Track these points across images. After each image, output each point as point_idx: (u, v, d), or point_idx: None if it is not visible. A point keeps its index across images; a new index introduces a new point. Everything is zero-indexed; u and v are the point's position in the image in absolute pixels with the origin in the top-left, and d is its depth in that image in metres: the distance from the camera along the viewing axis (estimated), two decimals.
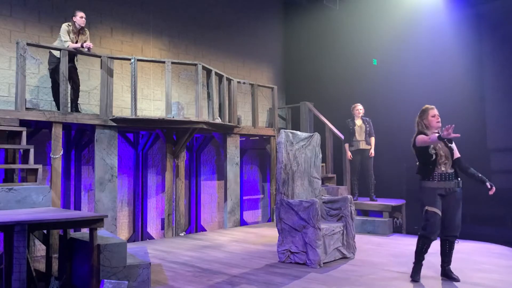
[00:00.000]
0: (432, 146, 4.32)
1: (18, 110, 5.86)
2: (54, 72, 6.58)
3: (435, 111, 4.50)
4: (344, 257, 5.47)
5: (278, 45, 11.35)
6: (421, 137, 4.36)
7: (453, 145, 4.49)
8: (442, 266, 4.51)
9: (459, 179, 4.41)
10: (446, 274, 4.45)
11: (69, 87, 6.61)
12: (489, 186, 4.26)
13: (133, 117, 6.73)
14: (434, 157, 4.30)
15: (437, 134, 4.24)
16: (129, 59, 6.96)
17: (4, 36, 6.87)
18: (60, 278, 4.52)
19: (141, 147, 8.29)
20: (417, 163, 4.53)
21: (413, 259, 4.50)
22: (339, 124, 8.75)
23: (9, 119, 5.72)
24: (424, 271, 4.56)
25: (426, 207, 4.35)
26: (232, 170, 8.47)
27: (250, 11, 10.66)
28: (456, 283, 4.27)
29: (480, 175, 4.38)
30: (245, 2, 10.57)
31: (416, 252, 4.45)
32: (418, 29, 8.52)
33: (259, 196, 10.44)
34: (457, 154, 4.46)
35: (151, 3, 8.74)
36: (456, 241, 4.44)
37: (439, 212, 4.31)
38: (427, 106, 4.57)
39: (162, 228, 8.28)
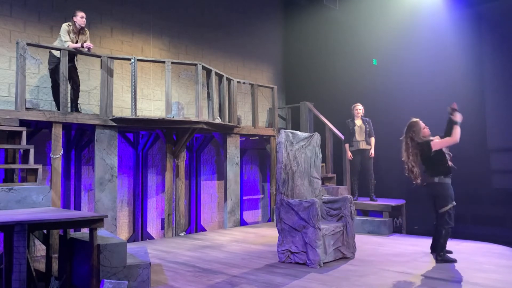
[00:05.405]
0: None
1: (18, 110, 5.86)
2: (54, 72, 6.58)
3: (421, 122, 5.14)
4: (344, 257, 5.47)
5: (278, 45, 11.35)
6: (441, 142, 4.98)
7: None
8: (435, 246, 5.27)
9: None
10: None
11: (69, 87, 6.61)
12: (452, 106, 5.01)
13: (133, 117, 6.73)
14: (448, 156, 4.97)
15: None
16: (129, 59, 6.96)
17: (4, 36, 6.88)
18: (60, 278, 4.52)
19: (141, 147, 8.29)
20: (428, 165, 5.05)
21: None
22: (339, 124, 8.74)
23: (9, 119, 5.73)
24: (427, 272, 4.61)
25: (454, 203, 5.01)
26: (232, 170, 8.47)
27: (250, 11, 10.66)
28: (456, 283, 4.27)
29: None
30: (245, 2, 10.57)
31: (444, 242, 5.05)
32: (418, 29, 8.52)
33: (259, 196, 10.44)
34: None
35: (151, 3, 8.74)
36: None
37: None
38: (413, 120, 5.11)
39: (162, 228, 8.28)
